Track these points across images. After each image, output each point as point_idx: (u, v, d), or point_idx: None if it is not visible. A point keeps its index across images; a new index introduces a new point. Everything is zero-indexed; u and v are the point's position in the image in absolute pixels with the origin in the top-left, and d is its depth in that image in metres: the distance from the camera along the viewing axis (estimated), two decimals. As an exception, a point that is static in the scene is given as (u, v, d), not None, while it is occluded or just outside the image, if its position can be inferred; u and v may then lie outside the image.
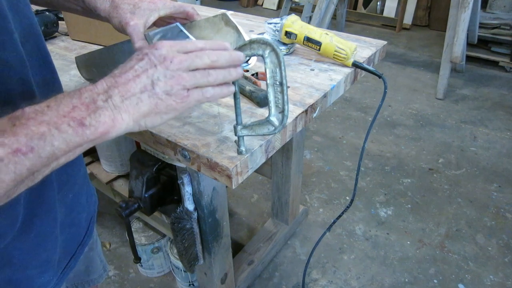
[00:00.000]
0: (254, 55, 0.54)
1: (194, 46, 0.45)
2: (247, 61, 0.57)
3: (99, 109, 0.38)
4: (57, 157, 0.36)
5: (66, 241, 0.60)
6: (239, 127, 0.59)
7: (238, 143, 0.61)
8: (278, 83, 0.55)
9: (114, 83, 0.40)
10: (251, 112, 0.77)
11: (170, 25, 0.57)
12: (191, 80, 0.43)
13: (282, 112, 0.56)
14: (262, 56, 0.54)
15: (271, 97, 0.56)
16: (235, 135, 0.60)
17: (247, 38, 0.59)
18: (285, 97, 0.55)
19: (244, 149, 0.62)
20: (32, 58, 0.47)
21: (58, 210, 0.55)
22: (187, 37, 0.53)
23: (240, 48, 0.54)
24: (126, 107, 0.40)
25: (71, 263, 0.63)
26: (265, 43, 0.53)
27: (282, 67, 0.54)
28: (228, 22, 0.60)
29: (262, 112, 0.77)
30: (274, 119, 0.57)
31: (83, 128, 0.37)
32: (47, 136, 0.35)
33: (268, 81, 0.55)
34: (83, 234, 0.66)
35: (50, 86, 0.52)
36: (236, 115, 0.59)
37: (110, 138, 0.40)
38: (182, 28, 0.53)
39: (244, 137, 0.62)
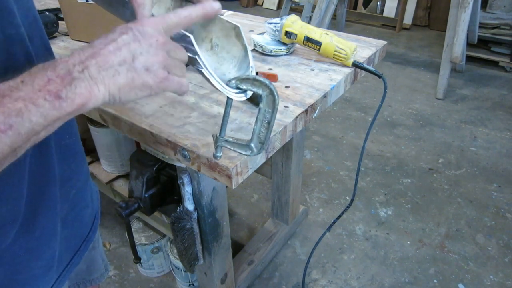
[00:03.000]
0: (252, 91, 0.56)
1: (177, 18, 0.45)
2: (244, 92, 0.57)
3: (75, 80, 0.37)
4: (36, 132, 0.36)
5: (69, 237, 0.60)
6: (221, 138, 0.61)
7: (215, 149, 0.63)
8: (266, 121, 0.59)
9: (93, 53, 0.39)
10: (251, 112, 0.77)
11: (183, 31, 0.55)
12: (172, 63, 0.43)
13: (262, 143, 0.61)
14: (261, 95, 0.56)
15: (256, 130, 0.60)
16: (215, 143, 0.62)
17: (251, 62, 0.60)
18: (269, 134, 0.60)
19: (220, 155, 0.64)
20: (38, 52, 0.47)
21: (59, 206, 0.55)
22: (193, 46, 0.52)
23: (242, 80, 0.55)
24: (102, 78, 0.39)
25: (74, 259, 0.63)
26: (266, 85, 0.55)
27: (275, 112, 0.57)
28: (238, 36, 0.60)
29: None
30: (253, 146, 0.61)
31: (60, 101, 0.36)
32: (24, 113, 0.34)
33: (258, 116, 0.59)
34: (87, 230, 0.66)
35: None
36: (221, 129, 0.61)
37: (87, 109, 0.39)
38: (193, 41, 0.52)
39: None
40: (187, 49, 0.52)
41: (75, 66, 0.38)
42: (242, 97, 0.57)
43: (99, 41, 0.41)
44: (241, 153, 0.63)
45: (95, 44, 0.40)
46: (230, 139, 0.62)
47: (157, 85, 0.42)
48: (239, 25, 0.59)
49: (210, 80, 0.53)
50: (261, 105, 0.57)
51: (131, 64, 0.40)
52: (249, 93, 0.57)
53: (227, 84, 0.55)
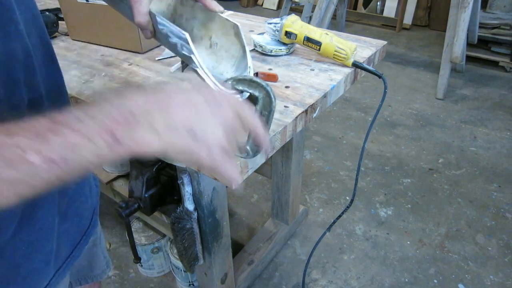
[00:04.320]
0: (248, 92, 0.54)
1: (250, 119, 0.43)
2: (240, 93, 0.56)
3: (137, 127, 0.36)
4: (86, 168, 0.36)
5: (68, 231, 0.60)
6: None
7: None
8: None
9: (163, 104, 0.38)
10: (251, 112, 0.77)
11: (180, 29, 0.55)
12: (232, 148, 0.41)
13: (258, 146, 0.58)
14: (257, 97, 0.54)
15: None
16: None
17: (249, 62, 0.58)
18: None
19: None
20: (37, 49, 0.47)
21: (58, 201, 0.55)
22: (188, 43, 0.52)
23: (238, 81, 0.53)
24: (164, 134, 0.37)
25: (74, 253, 0.63)
26: (263, 87, 0.53)
27: (271, 114, 0.54)
28: (238, 35, 0.59)
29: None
30: (249, 149, 0.59)
31: (118, 146, 0.35)
32: (82, 149, 0.34)
33: None
34: (87, 224, 0.66)
35: (54, 77, 0.52)
36: None
37: (138, 156, 0.38)
38: (189, 40, 0.51)
39: None
40: (183, 47, 0.52)
41: (142, 112, 0.36)
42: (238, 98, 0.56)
43: (172, 91, 0.40)
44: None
45: (168, 93, 0.39)
46: None
47: (209, 165, 0.40)
48: (239, 24, 0.58)
49: (206, 80, 0.52)
50: (257, 107, 0.55)
51: (195, 134, 0.38)
52: (246, 95, 0.56)
53: (222, 85, 0.54)
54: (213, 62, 0.61)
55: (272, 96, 0.53)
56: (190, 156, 0.39)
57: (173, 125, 0.37)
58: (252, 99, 0.57)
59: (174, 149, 0.38)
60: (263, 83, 0.53)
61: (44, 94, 0.48)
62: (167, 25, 0.53)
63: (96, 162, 0.35)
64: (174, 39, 0.53)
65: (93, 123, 0.35)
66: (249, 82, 0.53)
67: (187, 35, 0.50)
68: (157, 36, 0.58)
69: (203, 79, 0.52)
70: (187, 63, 0.55)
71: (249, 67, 0.57)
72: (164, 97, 0.39)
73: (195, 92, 0.40)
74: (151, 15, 0.54)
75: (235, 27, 0.58)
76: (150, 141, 0.37)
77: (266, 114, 0.55)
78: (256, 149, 0.59)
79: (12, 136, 0.33)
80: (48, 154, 0.33)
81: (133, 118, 0.36)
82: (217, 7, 0.57)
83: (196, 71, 0.52)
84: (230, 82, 0.54)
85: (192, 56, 0.50)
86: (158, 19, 0.53)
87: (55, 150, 0.33)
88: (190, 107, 0.39)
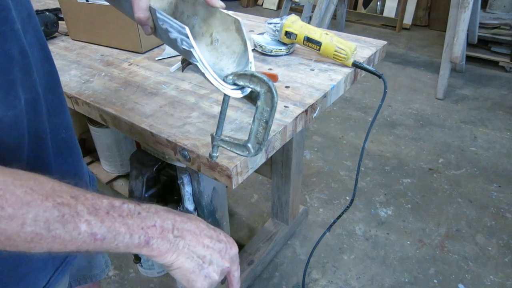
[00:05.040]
0: (250, 88, 0.54)
1: (235, 277, 0.54)
2: (241, 89, 0.55)
3: (165, 239, 0.43)
4: (109, 250, 0.40)
5: None
6: (217, 137, 0.59)
7: (212, 149, 0.61)
8: (264, 120, 0.56)
9: (193, 232, 0.46)
10: (251, 112, 0.77)
11: (180, 24, 0.54)
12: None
13: (260, 144, 0.58)
14: (258, 92, 0.53)
15: (254, 129, 0.57)
16: (212, 142, 0.60)
17: (251, 57, 0.57)
18: (267, 135, 0.57)
19: (216, 155, 0.62)
20: (33, 49, 0.46)
21: None
22: (188, 38, 0.51)
23: (239, 76, 0.53)
24: (182, 252, 0.45)
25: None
26: (265, 82, 0.52)
27: (273, 110, 0.54)
28: (239, 30, 0.58)
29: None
30: (250, 147, 0.59)
31: (146, 246, 0.41)
32: (120, 236, 0.39)
33: (255, 114, 0.56)
34: None
35: (51, 77, 0.52)
36: (218, 127, 0.58)
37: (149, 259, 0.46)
38: (189, 34, 0.51)
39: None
40: (183, 41, 0.51)
41: (175, 230, 0.44)
42: (239, 94, 0.54)
43: (204, 226, 0.49)
44: (237, 154, 0.61)
45: (201, 225, 0.48)
46: (227, 138, 0.59)
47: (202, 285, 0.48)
48: (240, 19, 0.57)
49: (206, 75, 0.51)
50: (259, 103, 0.54)
51: (203, 264, 0.47)
52: (247, 90, 0.55)
53: (223, 80, 0.53)
54: (214, 59, 0.61)
55: (274, 91, 0.52)
56: (190, 276, 0.47)
57: (193, 249, 0.46)
58: (252, 101, 0.56)
59: (180, 267, 0.46)
60: (265, 78, 0.52)
61: (41, 93, 0.48)
62: (167, 20, 0.52)
63: (121, 249, 0.41)
64: (174, 34, 0.52)
65: (139, 222, 0.41)
66: (250, 77, 0.52)
67: (187, 29, 0.49)
68: (157, 32, 0.57)
69: (203, 75, 0.52)
70: (187, 60, 0.55)
71: (251, 62, 0.57)
72: (196, 228, 0.47)
73: (217, 237, 0.49)
74: (151, 10, 0.54)
75: (237, 22, 0.58)
76: (167, 253, 0.44)
77: (268, 110, 0.54)
78: (258, 147, 0.58)
79: (77, 201, 0.38)
80: (95, 229, 0.38)
81: (167, 232, 0.43)
82: (218, 2, 0.57)
83: (196, 66, 0.52)
84: (231, 78, 0.53)
85: (192, 50, 0.50)
86: (158, 14, 0.53)
87: (100, 228, 0.38)
88: (211, 246, 0.48)
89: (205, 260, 0.47)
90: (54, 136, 0.53)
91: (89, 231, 0.37)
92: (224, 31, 0.60)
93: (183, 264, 0.45)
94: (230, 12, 0.59)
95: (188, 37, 0.49)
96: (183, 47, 0.51)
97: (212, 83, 0.52)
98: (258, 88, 0.53)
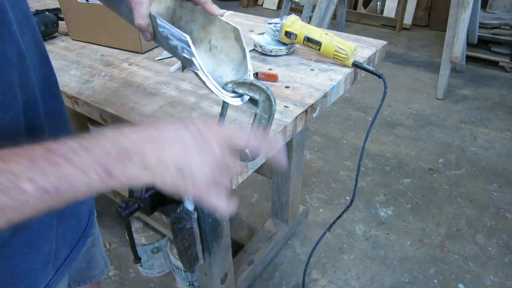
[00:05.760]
0: (249, 96, 0.54)
1: (242, 141, 0.44)
2: (240, 97, 0.55)
3: (129, 162, 0.37)
4: (75, 198, 0.37)
5: (66, 232, 0.60)
6: None
7: None
8: (262, 127, 0.56)
9: (152, 137, 0.39)
10: (251, 112, 0.77)
11: (180, 32, 0.54)
12: (219, 182, 0.42)
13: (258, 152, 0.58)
14: (257, 100, 0.54)
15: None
16: None
17: (249, 66, 0.58)
18: None
19: None
20: (30, 51, 0.46)
21: None
22: (189, 47, 0.51)
23: (238, 84, 0.54)
24: (154, 169, 0.39)
25: (73, 254, 0.63)
26: (263, 90, 0.53)
27: (271, 118, 0.55)
28: (238, 38, 0.58)
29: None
30: (248, 152, 0.58)
31: (109, 179, 0.37)
32: (75, 180, 0.35)
33: (254, 121, 0.56)
34: (84, 225, 0.66)
35: (48, 79, 0.52)
36: None
37: (126, 187, 0.41)
38: (190, 43, 0.51)
39: None
40: (184, 49, 0.52)
41: (135, 149, 0.38)
42: (238, 102, 0.55)
43: (162, 128, 0.41)
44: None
45: (159, 130, 0.40)
46: None
47: (195, 195, 0.42)
48: (239, 28, 0.58)
49: (206, 82, 0.52)
50: (257, 110, 0.55)
51: (182, 172, 0.40)
52: (246, 98, 0.56)
53: (223, 88, 0.54)
54: (212, 65, 0.61)
55: (272, 100, 0.54)
56: (178, 190, 0.41)
57: (163, 163, 0.39)
58: (253, 102, 0.57)
59: (162, 184, 0.40)
60: (263, 86, 0.53)
61: (38, 95, 0.48)
62: (167, 28, 0.52)
63: (86, 192, 0.37)
64: (174, 42, 0.52)
65: (88, 155, 0.36)
66: (250, 86, 0.54)
67: (188, 38, 0.49)
68: (157, 38, 0.57)
69: (204, 82, 0.52)
70: (187, 66, 0.55)
71: (249, 70, 0.57)
72: (156, 134, 0.40)
73: (183, 128, 0.41)
74: (151, 17, 0.54)
75: (235, 31, 0.58)
76: (140, 176, 0.38)
77: (266, 117, 0.55)
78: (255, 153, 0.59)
79: (7, 162, 0.33)
80: (41, 183, 0.33)
81: (126, 154, 0.37)
82: (217, 10, 0.57)
83: (196, 74, 0.52)
84: (230, 85, 0.54)
85: (193, 58, 0.50)
86: (159, 21, 0.53)
87: (48, 180, 0.34)
88: (179, 145, 0.40)
89: (179, 163, 0.39)
90: (52, 138, 0.53)
91: (37, 188, 0.33)
92: (222, 38, 0.60)
93: (164, 180, 0.39)
94: (229, 13, 0.58)
95: (189, 46, 0.50)
96: (184, 55, 0.51)
97: (212, 91, 0.53)
98: (257, 96, 0.54)
